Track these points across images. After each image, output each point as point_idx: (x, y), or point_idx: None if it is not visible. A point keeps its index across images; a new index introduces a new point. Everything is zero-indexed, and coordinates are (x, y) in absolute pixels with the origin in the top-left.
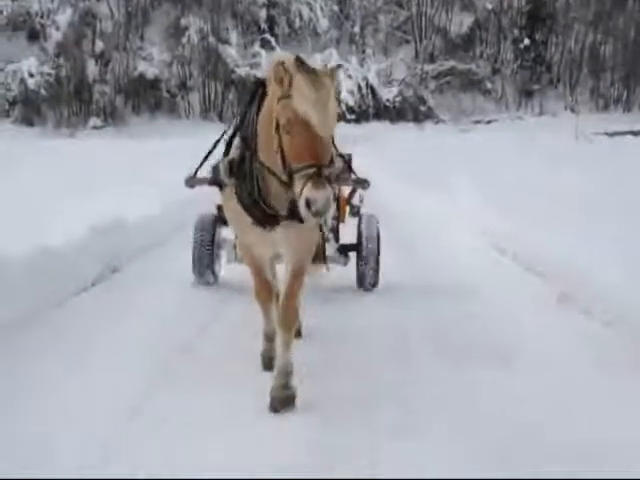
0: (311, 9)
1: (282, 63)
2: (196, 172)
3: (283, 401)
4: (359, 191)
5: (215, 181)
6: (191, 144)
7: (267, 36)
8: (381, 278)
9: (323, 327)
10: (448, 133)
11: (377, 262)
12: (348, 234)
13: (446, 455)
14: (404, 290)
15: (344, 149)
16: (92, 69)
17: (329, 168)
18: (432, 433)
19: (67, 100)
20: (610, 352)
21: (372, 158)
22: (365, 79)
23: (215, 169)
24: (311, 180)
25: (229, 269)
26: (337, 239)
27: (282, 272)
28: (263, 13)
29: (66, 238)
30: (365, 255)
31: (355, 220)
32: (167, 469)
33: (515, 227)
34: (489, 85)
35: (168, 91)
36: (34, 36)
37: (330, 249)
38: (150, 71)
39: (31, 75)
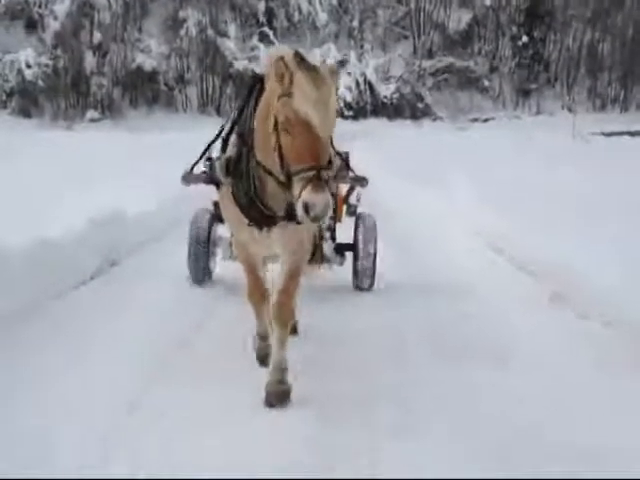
0: (310, 2)
1: (282, 59)
2: (192, 169)
3: (278, 396)
4: (356, 190)
5: (212, 179)
6: (188, 138)
7: (266, 29)
8: (376, 277)
9: (318, 327)
10: (445, 131)
11: (374, 262)
12: (344, 233)
13: (445, 455)
14: (400, 290)
15: (341, 146)
16: (90, 60)
17: (328, 170)
18: (430, 432)
19: (64, 92)
20: (608, 352)
21: (369, 155)
22: (363, 75)
23: (212, 166)
24: (310, 183)
25: (224, 266)
26: (334, 238)
27: (273, 272)
28: (262, 6)
29: (65, 230)
30: (362, 255)
31: (351, 218)
32: (165, 464)
33: (511, 226)
34: (487, 83)
35: (166, 84)
36: (32, 26)
37: (327, 249)
38: (148, 63)
39: (28, 66)
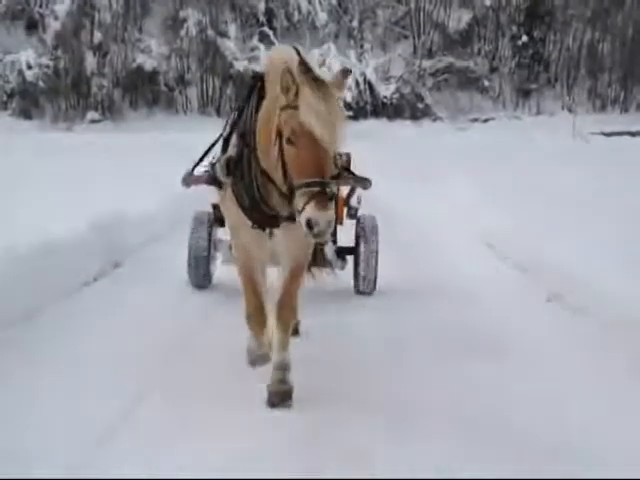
0: (310, 2)
1: (289, 71)
2: (192, 170)
3: (280, 395)
4: (357, 192)
5: (213, 180)
6: (189, 139)
7: (265, 29)
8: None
9: (319, 329)
10: (445, 131)
11: (375, 266)
12: (344, 235)
13: (444, 451)
14: (401, 293)
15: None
16: (90, 61)
17: (332, 184)
18: (429, 429)
19: (65, 93)
20: (607, 353)
21: (369, 155)
22: (363, 75)
23: (213, 167)
24: (314, 199)
25: (225, 270)
26: (335, 241)
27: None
28: (262, 6)
29: (68, 232)
30: (363, 259)
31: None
32: (166, 462)
33: (511, 228)
34: (487, 83)
35: (166, 84)
36: (32, 26)
37: (328, 252)
38: (148, 63)
39: (29, 67)
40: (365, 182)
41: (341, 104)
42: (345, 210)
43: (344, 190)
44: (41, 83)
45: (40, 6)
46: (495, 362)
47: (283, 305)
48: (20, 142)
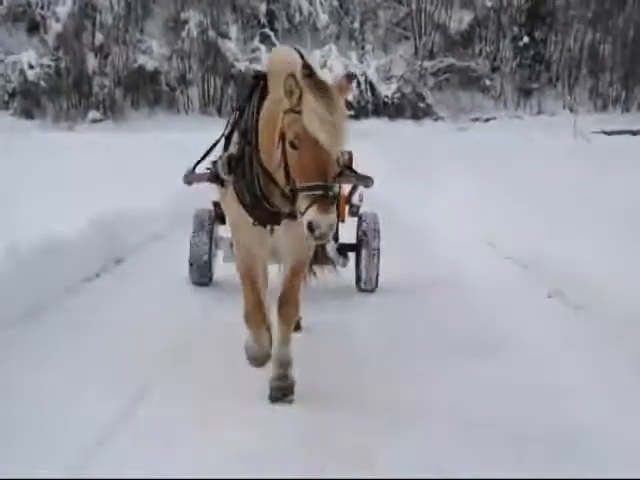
0: (311, 4)
1: (293, 76)
2: (194, 168)
3: (282, 391)
4: (359, 190)
5: (215, 178)
6: (190, 139)
7: (267, 31)
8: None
9: (321, 325)
10: (447, 131)
11: (377, 263)
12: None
13: (442, 447)
14: (401, 288)
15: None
16: (92, 62)
17: (334, 186)
18: (428, 425)
19: (66, 93)
20: (607, 350)
21: (371, 155)
22: (364, 75)
23: (214, 165)
24: (317, 203)
25: (226, 267)
26: (336, 239)
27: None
28: (263, 7)
29: (72, 229)
30: (365, 256)
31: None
32: (167, 461)
33: (511, 225)
34: (488, 83)
35: (167, 85)
36: (34, 27)
37: (330, 249)
38: (150, 64)
39: (31, 67)
40: (367, 180)
41: (344, 107)
42: (347, 208)
43: (346, 188)
44: (43, 83)
45: (42, 8)
46: (496, 359)
47: (285, 301)
48: (22, 142)
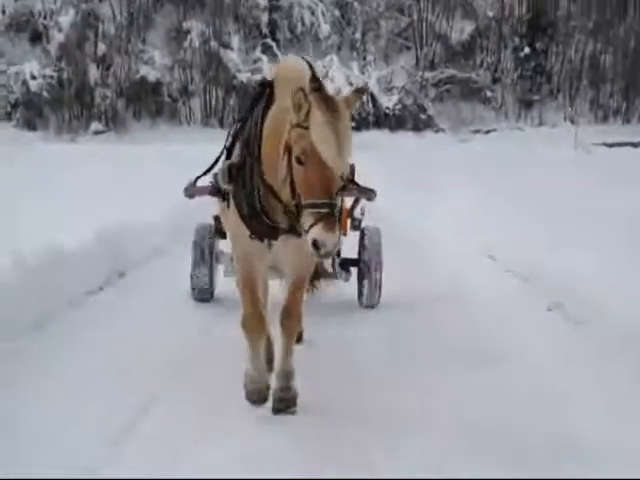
0: (313, 14)
1: (302, 90)
2: (195, 181)
3: (285, 402)
4: (361, 203)
5: (217, 191)
6: (192, 151)
7: (269, 41)
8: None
9: (323, 337)
10: (448, 143)
11: (379, 278)
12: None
13: (442, 455)
14: (401, 300)
15: None
16: (94, 72)
17: (339, 201)
18: (428, 434)
19: (69, 104)
20: (607, 362)
21: (371, 166)
22: (365, 86)
23: (215, 177)
24: (322, 221)
25: (227, 282)
26: (338, 253)
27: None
28: (265, 17)
29: (75, 242)
30: (367, 271)
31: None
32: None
33: (511, 238)
34: (489, 94)
35: (169, 95)
36: (36, 38)
37: (327, 264)
38: (152, 74)
39: (33, 77)
40: (370, 193)
41: (350, 123)
42: (349, 221)
43: (348, 201)
44: (45, 94)
45: (44, 18)
46: (496, 371)
47: (287, 314)
48: (24, 153)
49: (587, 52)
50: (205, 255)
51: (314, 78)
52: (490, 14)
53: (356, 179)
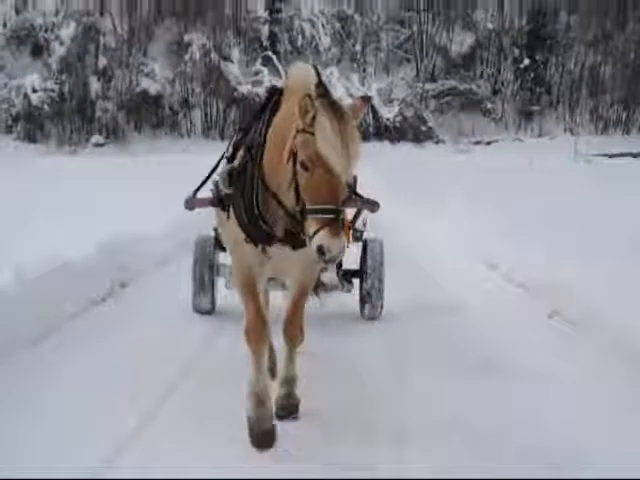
0: (313, 27)
1: (309, 95)
2: (195, 193)
3: (287, 409)
4: (363, 215)
5: (218, 201)
6: (193, 163)
7: (269, 53)
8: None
9: (323, 347)
10: (448, 154)
11: (382, 291)
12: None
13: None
14: (402, 309)
15: None
16: (95, 85)
17: (344, 207)
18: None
19: (70, 117)
20: (607, 368)
21: (371, 178)
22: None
23: (217, 184)
24: (328, 226)
25: (228, 294)
26: (340, 264)
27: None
28: (265, 30)
29: (78, 254)
30: (369, 282)
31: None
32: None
33: (512, 248)
34: (489, 106)
35: (170, 108)
36: (38, 51)
37: (326, 276)
38: (153, 87)
39: (34, 90)
40: (373, 205)
41: (357, 130)
42: (350, 233)
43: (349, 212)
44: (46, 107)
45: (45, 31)
46: (498, 379)
47: (289, 322)
48: (25, 167)
49: (587, 63)
50: (205, 283)
51: (320, 84)
52: (490, 26)
53: (357, 190)
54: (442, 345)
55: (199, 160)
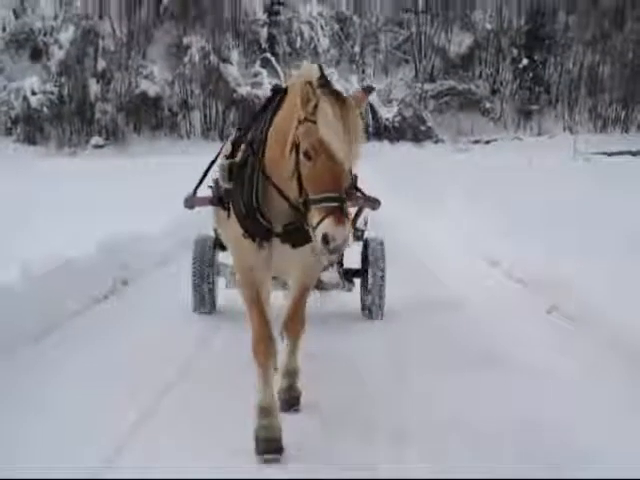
0: (312, 28)
1: (310, 83)
2: (195, 191)
3: (289, 402)
4: (364, 214)
5: (218, 200)
6: (192, 163)
7: (268, 55)
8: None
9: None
10: (447, 153)
11: (382, 288)
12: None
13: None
14: (402, 305)
15: None
16: (94, 88)
17: (348, 199)
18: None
19: (69, 119)
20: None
21: (371, 177)
22: None
23: (217, 182)
24: (332, 215)
25: (227, 294)
26: (341, 263)
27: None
28: (264, 32)
29: (81, 253)
30: (370, 282)
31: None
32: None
33: (512, 245)
34: (488, 105)
35: (169, 110)
36: (37, 54)
37: (334, 274)
38: (152, 89)
39: (34, 93)
40: (375, 203)
41: (359, 119)
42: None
43: (351, 211)
44: (45, 109)
45: (44, 35)
46: (498, 374)
47: (291, 318)
48: (25, 169)
49: (585, 63)
50: (206, 300)
51: (322, 76)
52: (488, 27)
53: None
54: (442, 341)
55: (198, 161)
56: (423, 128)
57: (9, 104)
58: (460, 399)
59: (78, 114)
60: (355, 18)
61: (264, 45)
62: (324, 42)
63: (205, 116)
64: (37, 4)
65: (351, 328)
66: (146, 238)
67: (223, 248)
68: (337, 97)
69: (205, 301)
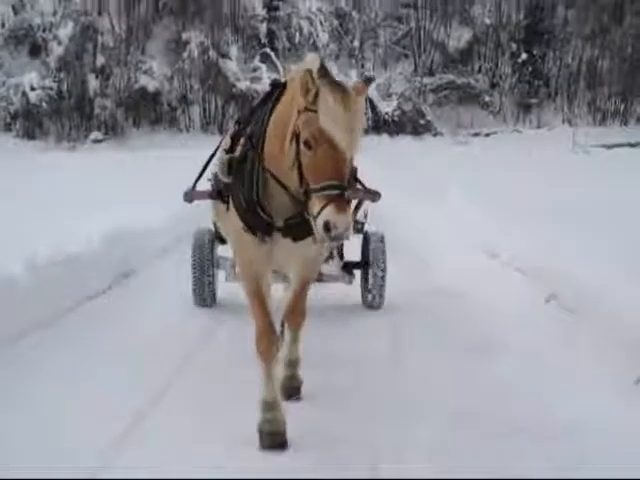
0: (311, 24)
1: (310, 73)
2: (194, 185)
3: (291, 391)
4: (363, 206)
5: (217, 194)
6: (192, 157)
7: (267, 50)
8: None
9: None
10: (446, 146)
11: (383, 281)
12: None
13: (444, 441)
14: (402, 294)
15: None
16: (93, 83)
17: (349, 189)
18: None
19: (68, 114)
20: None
21: (370, 170)
22: None
23: (216, 176)
24: (333, 203)
25: (227, 287)
26: (341, 256)
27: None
28: (263, 27)
29: (83, 246)
30: (372, 276)
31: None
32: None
33: (511, 236)
34: (487, 98)
35: (169, 104)
36: (36, 50)
37: (334, 266)
38: (151, 84)
39: (33, 89)
40: (375, 195)
41: (361, 108)
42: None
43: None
44: (44, 105)
45: (43, 31)
46: (497, 361)
47: (292, 310)
48: (25, 163)
49: (584, 57)
50: (206, 293)
51: (322, 66)
52: (487, 21)
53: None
54: (441, 330)
55: (198, 154)
56: (422, 122)
57: (8, 100)
58: (459, 385)
59: (77, 109)
60: (354, 13)
61: (263, 40)
62: (323, 37)
63: (204, 110)
64: (36, 0)
65: (350, 320)
66: (146, 232)
67: (222, 241)
68: (337, 86)
69: (205, 294)
